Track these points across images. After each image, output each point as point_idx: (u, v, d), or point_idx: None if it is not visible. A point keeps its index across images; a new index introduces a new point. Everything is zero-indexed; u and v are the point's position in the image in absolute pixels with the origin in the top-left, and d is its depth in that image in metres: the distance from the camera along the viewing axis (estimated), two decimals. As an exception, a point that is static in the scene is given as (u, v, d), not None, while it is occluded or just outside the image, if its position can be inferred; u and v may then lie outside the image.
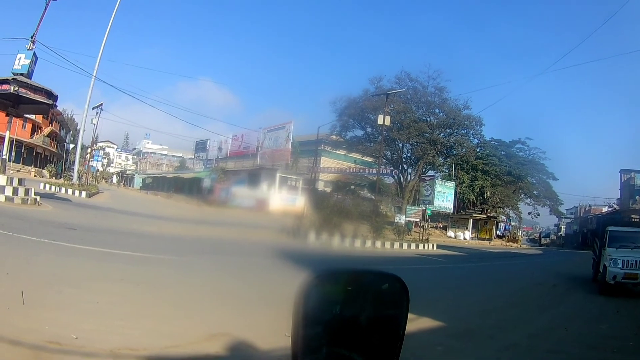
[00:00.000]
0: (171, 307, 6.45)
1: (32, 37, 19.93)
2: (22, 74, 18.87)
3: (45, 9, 20.87)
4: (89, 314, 5.35)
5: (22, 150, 53.15)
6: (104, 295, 6.30)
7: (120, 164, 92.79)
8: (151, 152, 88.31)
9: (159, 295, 7.18)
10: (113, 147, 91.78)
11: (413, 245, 26.09)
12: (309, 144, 48.82)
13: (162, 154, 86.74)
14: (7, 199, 18.04)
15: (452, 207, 48.41)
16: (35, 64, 20.06)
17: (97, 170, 63.51)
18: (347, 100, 46.37)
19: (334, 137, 50.28)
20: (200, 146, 63.97)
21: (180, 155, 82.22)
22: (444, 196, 47.08)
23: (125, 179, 79.46)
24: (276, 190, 41.21)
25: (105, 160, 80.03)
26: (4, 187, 18.24)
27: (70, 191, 32.00)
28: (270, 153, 48.35)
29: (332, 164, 51.47)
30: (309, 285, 1.17)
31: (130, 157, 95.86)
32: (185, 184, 53.33)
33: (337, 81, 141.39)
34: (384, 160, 44.92)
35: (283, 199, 39.52)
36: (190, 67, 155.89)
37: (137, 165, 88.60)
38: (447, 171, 52.13)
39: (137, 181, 72.97)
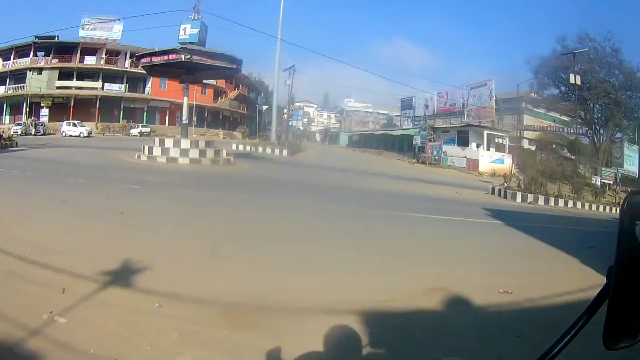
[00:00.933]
0: (386, 262, 6.35)
1: (194, 8, 21.18)
2: (191, 43, 19.80)
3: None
4: (302, 269, 5.41)
5: (206, 115, 58.67)
6: (315, 251, 6.42)
7: (322, 122, 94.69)
8: (355, 110, 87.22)
9: (372, 250, 7.02)
10: (312, 107, 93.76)
11: (607, 209, 22.64)
12: (510, 101, 47.20)
13: (366, 112, 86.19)
14: (193, 160, 19.46)
15: (637, 171, 42.76)
16: (206, 33, 21.31)
17: (298, 129, 65.24)
18: (540, 59, 45.62)
19: (533, 94, 48.68)
20: (406, 104, 62.56)
21: (385, 112, 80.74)
22: (631, 159, 41.60)
23: (329, 137, 79.51)
24: (484, 148, 40.08)
25: (305, 120, 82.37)
26: (188, 150, 19.75)
27: (269, 150, 33.75)
28: (476, 110, 47.28)
29: (534, 122, 48.58)
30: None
31: (332, 115, 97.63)
32: (395, 141, 52.98)
33: (529, 40, 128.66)
34: (579, 120, 43.71)
35: (491, 157, 38.67)
36: (382, 26, 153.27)
37: (341, 124, 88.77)
38: (631, 134, 47.47)
39: (343, 139, 72.86)
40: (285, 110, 56.60)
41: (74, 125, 43.61)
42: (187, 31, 20.49)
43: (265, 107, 61.44)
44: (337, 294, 4.64)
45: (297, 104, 72.11)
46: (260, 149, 33.86)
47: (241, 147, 35.32)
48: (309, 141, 66.68)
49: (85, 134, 41.95)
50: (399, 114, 67.09)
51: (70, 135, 41.19)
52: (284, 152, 33.27)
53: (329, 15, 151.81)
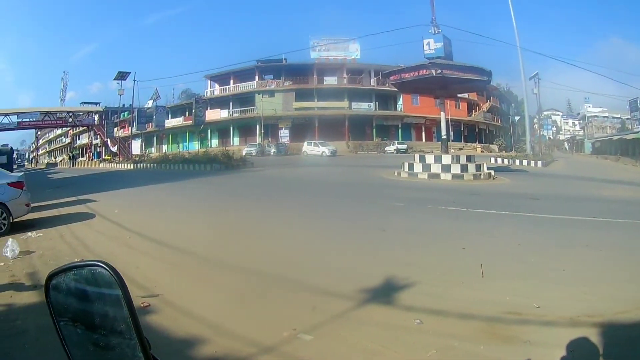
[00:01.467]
0: (630, 272, 5.84)
1: (432, 22, 21.22)
2: (438, 57, 19.78)
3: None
4: (552, 282, 5.22)
5: (462, 129, 57.80)
6: (568, 263, 6.14)
7: (569, 130, 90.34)
8: (594, 116, 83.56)
9: (619, 260, 6.53)
10: (558, 114, 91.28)
11: None
12: None
13: (603, 117, 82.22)
14: (455, 176, 19.08)
15: None
16: (450, 45, 21.08)
17: (548, 138, 62.92)
18: None
19: None
20: (633, 105, 57.10)
21: (618, 116, 76.73)
22: None
23: (575, 144, 77.36)
24: None
25: (554, 129, 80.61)
26: (449, 165, 19.47)
27: (525, 162, 32.67)
28: None
29: None
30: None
31: (576, 122, 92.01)
32: (629, 145, 48.22)
33: None
34: None
35: None
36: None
37: (584, 130, 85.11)
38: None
39: (587, 146, 69.48)
40: (535, 120, 53.94)
41: (315, 144, 44.67)
42: (432, 45, 20.40)
43: (517, 118, 60.21)
44: (587, 306, 4.41)
45: (545, 112, 69.76)
46: (517, 162, 32.73)
47: (499, 160, 34.28)
48: (559, 150, 65.66)
49: (328, 153, 42.42)
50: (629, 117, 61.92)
51: (313, 155, 42.45)
52: (539, 163, 32.08)
53: (561, 17, 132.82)
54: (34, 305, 4.91)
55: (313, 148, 44.27)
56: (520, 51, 41.25)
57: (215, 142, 56.40)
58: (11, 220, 9.71)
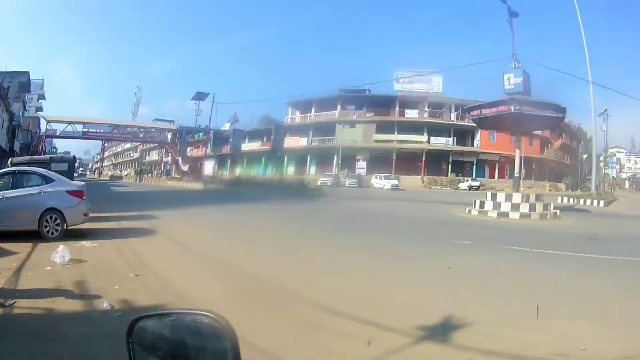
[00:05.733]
0: None
1: (513, 56, 20.54)
2: (517, 93, 19.30)
3: (511, 27, 21.36)
4: (601, 324, 5.15)
5: (533, 166, 54.98)
6: (620, 305, 5.99)
7: (630, 167, 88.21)
8: None
9: None
10: (622, 152, 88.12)
11: None
12: None
13: None
14: (523, 215, 18.51)
15: None
16: (529, 81, 20.33)
17: (611, 177, 62.18)
18: None
19: None
20: None
21: None
22: None
23: (636, 183, 78.44)
24: None
25: (617, 167, 78.98)
26: (518, 204, 18.85)
27: (588, 201, 31.60)
28: None
29: None
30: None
31: (638, 160, 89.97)
32: None
33: None
34: None
35: None
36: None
37: None
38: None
39: None
40: (601, 158, 51.47)
41: (381, 178, 44.63)
42: (512, 81, 19.86)
43: (585, 156, 58.04)
44: (628, 347, 4.33)
45: (611, 150, 66.49)
46: (581, 201, 31.45)
47: (565, 199, 32.99)
48: (620, 188, 63.94)
49: (389, 187, 42.22)
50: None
51: (377, 188, 42.48)
52: (601, 202, 30.83)
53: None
54: (77, 313, 5.01)
55: (378, 181, 44.51)
56: (592, 87, 38.94)
57: (291, 169, 56.51)
58: (65, 227, 9.93)
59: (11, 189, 9.99)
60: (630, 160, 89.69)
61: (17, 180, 10.28)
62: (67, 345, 4.09)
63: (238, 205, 20.90)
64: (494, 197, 19.84)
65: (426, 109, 54.55)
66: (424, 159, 51.95)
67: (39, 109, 66.75)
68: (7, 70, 45.69)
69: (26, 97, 54.98)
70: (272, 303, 5.86)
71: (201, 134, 64.46)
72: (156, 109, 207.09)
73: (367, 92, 53.97)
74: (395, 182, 43.42)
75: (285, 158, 56.99)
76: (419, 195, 34.72)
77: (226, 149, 57.97)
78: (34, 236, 9.47)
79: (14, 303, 5.44)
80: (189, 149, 64.81)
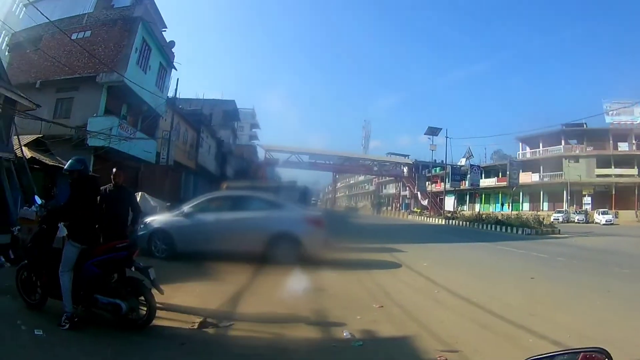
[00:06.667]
0: None
1: None
2: None
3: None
4: None
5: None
6: None
7: None
8: None
9: None
10: None
11: None
12: None
13: None
14: None
15: None
16: None
17: None
18: None
19: None
20: None
21: None
22: None
23: None
24: None
25: None
26: None
27: None
28: None
29: None
30: None
31: None
32: None
33: None
34: None
35: None
36: None
37: None
38: None
39: None
40: None
41: (598, 212, 45.47)
42: None
43: None
44: None
45: None
46: None
47: None
48: None
49: (604, 222, 42.56)
50: None
51: (597, 223, 42.70)
52: None
53: None
54: (310, 340, 4.93)
55: (599, 217, 44.55)
56: None
57: (526, 206, 56.96)
58: (302, 252, 9.73)
59: (239, 211, 10.07)
60: None
61: (246, 203, 10.51)
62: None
63: (484, 243, 19.73)
64: None
65: (634, 141, 52.11)
66: (636, 192, 49.52)
67: (253, 137, 72.80)
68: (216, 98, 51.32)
69: (236, 125, 58.74)
70: (516, 340, 5.21)
71: (438, 168, 63.95)
72: (388, 143, 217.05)
73: (584, 125, 53.12)
74: (609, 217, 44.23)
75: (521, 194, 56.94)
76: (633, 230, 31.87)
77: (464, 184, 56.42)
78: (259, 260, 9.42)
79: (230, 325, 5.29)
80: (427, 183, 64.46)
